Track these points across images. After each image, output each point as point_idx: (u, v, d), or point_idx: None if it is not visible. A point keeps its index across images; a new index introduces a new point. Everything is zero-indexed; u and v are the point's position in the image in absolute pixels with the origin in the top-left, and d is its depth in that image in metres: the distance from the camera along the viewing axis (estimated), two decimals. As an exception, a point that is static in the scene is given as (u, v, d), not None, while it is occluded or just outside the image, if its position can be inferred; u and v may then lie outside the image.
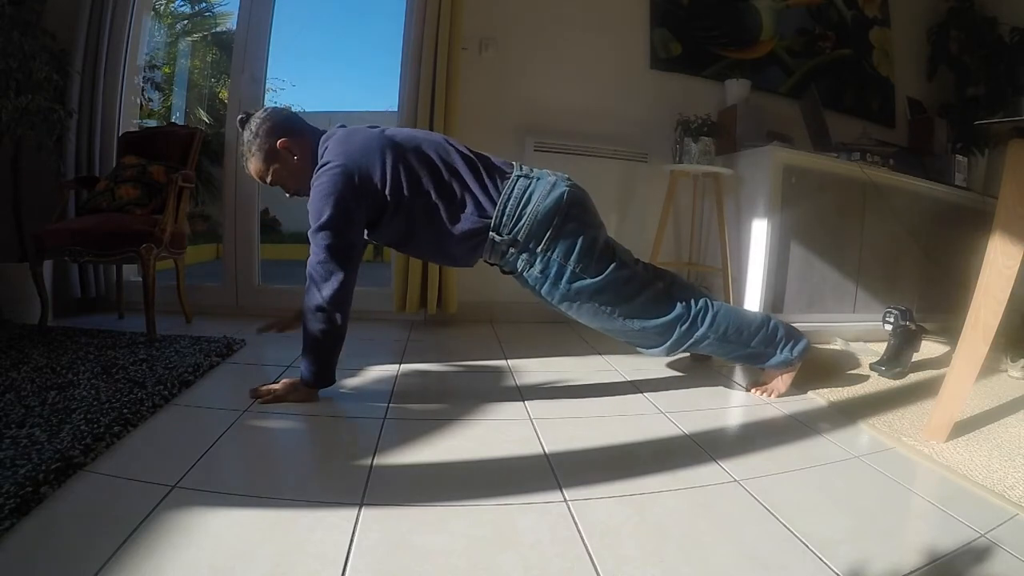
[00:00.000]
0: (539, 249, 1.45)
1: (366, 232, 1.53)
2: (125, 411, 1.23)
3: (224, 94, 6.49)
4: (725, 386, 1.79)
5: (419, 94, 2.41)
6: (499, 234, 1.45)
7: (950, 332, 2.14)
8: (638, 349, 1.65)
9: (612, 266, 1.49)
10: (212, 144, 4.52)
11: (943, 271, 2.73)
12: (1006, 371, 2.02)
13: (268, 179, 1.53)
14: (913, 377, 1.95)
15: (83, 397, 1.32)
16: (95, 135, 2.42)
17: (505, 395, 1.56)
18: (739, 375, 1.89)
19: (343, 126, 1.57)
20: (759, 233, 2.46)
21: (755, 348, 1.61)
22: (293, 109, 1.82)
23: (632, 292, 1.52)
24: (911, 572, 0.82)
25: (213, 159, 4.87)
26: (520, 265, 1.49)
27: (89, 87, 2.38)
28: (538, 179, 1.50)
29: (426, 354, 2.02)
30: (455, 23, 2.42)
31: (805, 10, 3.23)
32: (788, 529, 0.92)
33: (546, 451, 1.19)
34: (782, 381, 1.67)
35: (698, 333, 1.55)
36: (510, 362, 1.93)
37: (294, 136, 1.50)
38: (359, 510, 0.92)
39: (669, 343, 1.56)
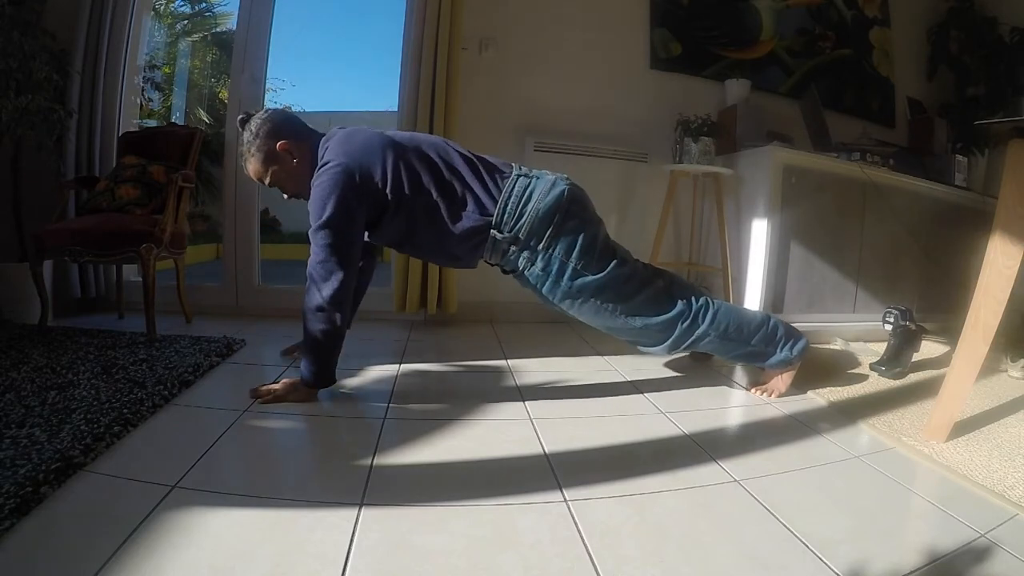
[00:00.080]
0: (540, 247, 1.46)
1: (367, 234, 1.53)
2: (125, 411, 1.23)
3: (224, 94, 6.50)
4: (725, 386, 1.79)
5: (419, 94, 2.41)
6: (500, 232, 1.45)
7: (950, 332, 2.14)
8: (639, 348, 1.65)
9: (613, 263, 1.50)
10: (212, 144, 4.52)
11: (943, 271, 2.73)
12: (1006, 371, 2.02)
13: (267, 180, 1.54)
14: (913, 377, 1.95)
15: (83, 397, 1.32)
16: (95, 135, 2.42)
17: (505, 395, 1.56)
18: (739, 375, 1.89)
19: (342, 128, 1.57)
20: (759, 233, 2.46)
21: (755, 347, 1.61)
22: (293, 109, 1.82)
23: (633, 289, 1.52)
24: (911, 572, 0.82)
25: (213, 159, 4.87)
26: (521, 263, 1.49)
27: (89, 87, 2.38)
28: (537, 178, 1.51)
29: (426, 354, 2.02)
30: (455, 23, 2.42)
31: (805, 10, 3.23)
32: (788, 529, 0.92)
33: (546, 451, 1.19)
34: (782, 381, 1.67)
35: (699, 330, 1.55)
36: (510, 362, 1.93)
37: (294, 138, 1.51)
38: (359, 510, 0.92)
39: (670, 341, 1.56)
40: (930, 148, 3.15)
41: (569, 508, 0.96)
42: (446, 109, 2.43)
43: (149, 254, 1.99)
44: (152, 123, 5.45)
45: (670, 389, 1.70)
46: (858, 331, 2.55)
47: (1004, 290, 1.23)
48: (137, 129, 2.66)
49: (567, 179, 1.54)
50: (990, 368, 2.00)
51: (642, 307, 1.53)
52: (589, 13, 2.81)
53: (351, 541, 0.83)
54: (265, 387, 1.44)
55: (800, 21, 3.22)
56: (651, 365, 1.96)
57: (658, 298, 1.56)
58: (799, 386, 1.71)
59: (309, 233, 1.41)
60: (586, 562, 0.81)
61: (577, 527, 0.90)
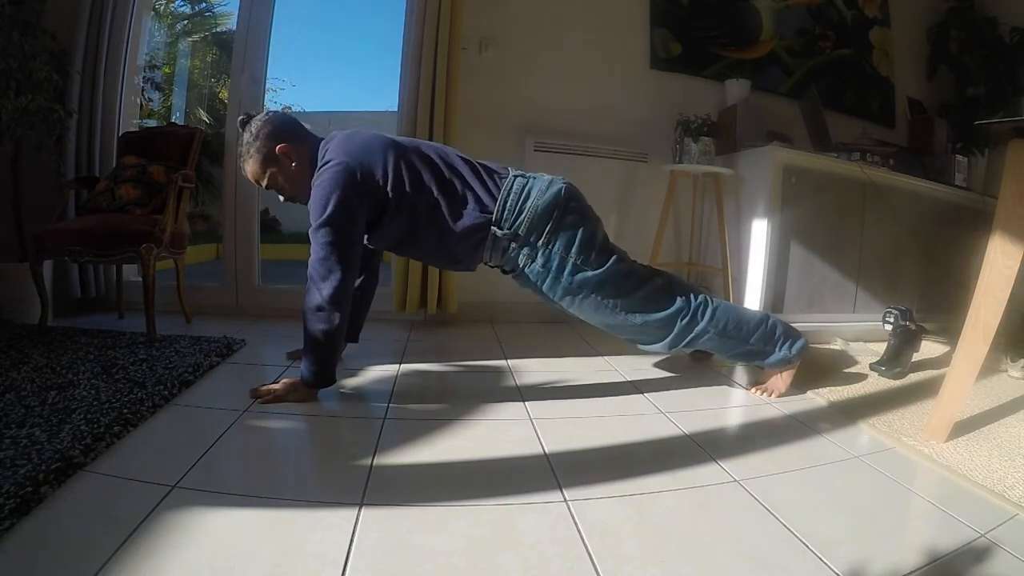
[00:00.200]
0: (540, 243, 1.48)
1: (367, 237, 1.53)
2: (125, 411, 1.23)
3: (224, 94, 6.50)
4: (725, 386, 1.79)
5: (419, 94, 2.41)
6: (500, 228, 1.47)
7: (950, 332, 2.14)
8: (640, 347, 1.65)
9: (613, 259, 1.52)
10: (212, 144, 4.52)
11: (943, 271, 2.73)
12: (1006, 371, 2.02)
13: (264, 182, 1.54)
14: (913, 377, 1.95)
15: (83, 397, 1.32)
16: (95, 135, 2.42)
17: (505, 395, 1.56)
18: (739, 375, 1.89)
19: (342, 130, 1.58)
20: (759, 233, 2.46)
21: (754, 345, 1.62)
22: (293, 109, 1.82)
23: (633, 286, 1.54)
24: (911, 572, 0.82)
25: (213, 159, 4.87)
26: (522, 260, 1.50)
27: (89, 87, 2.38)
28: (534, 178, 1.54)
29: (426, 354, 2.02)
30: (455, 23, 2.42)
31: (805, 10, 3.23)
32: (788, 529, 0.92)
33: (546, 451, 1.19)
34: (782, 380, 1.67)
35: (698, 328, 1.56)
36: (510, 362, 1.93)
37: (293, 142, 1.51)
38: (359, 510, 0.92)
39: (670, 338, 1.57)
40: (930, 148, 3.15)
41: (569, 508, 0.96)
42: (446, 109, 2.43)
43: (149, 254, 1.99)
44: (152, 123, 5.45)
45: (670, 389, 1.70)
46: (858, 331, 2.55)
47: (1004, 290, 1.23)
48: (137, 129, 2.66)
49: (563, 179, 1.57)
50: (990, 368, 2.00)
51: (642, 303, 1.54)
52: (589, 13, 2.81)
53: (351, 541, 0.83)
54: (265, 387, 1.44)
55: (800, 21, 3.22)
56: (651, 365, 1.96)
57: (657, 295, 1.57)
58: (799, 386, 1.71)
59: (309, 232, 1.41)
60: (586, 562, 0.81)
61: (577, 527, 0.90)
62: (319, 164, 1.46)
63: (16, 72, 2.05)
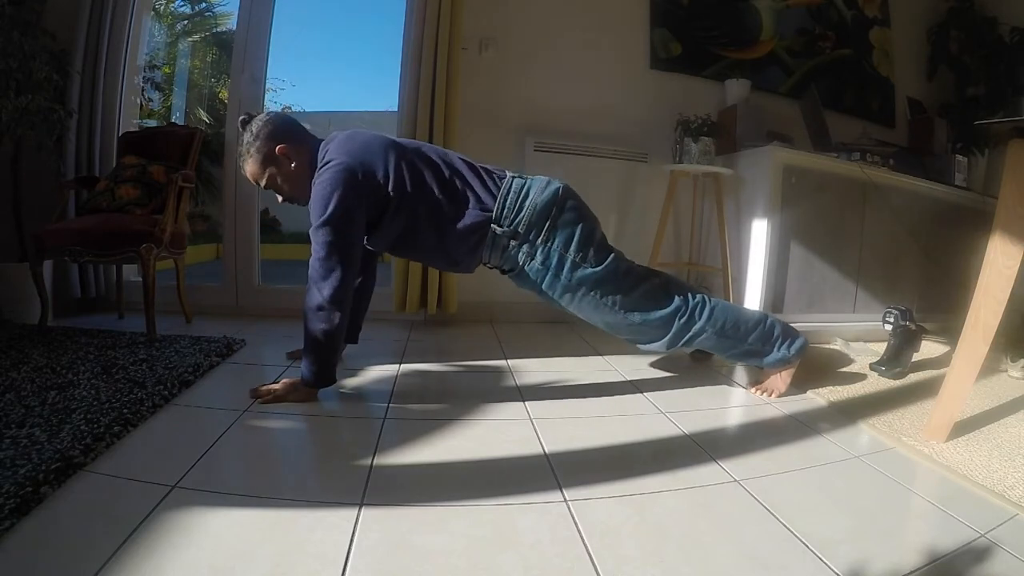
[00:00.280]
0: (539, 240, 1.49)
1: (366, 238, 1.54)
2: (125, 411, 1.23)
3: (224, 94, 6.50)
4: (725, 386, 1.79)
5: (419, 94, 2.41)
6: (500, 226, 1.48)
7: (950, 332, 2.14)
8: (639, 346, 1.66)
9: (611, 257, 1.54)
10: (212, 144, 4.52)
11: (943, 271, 2.73)
12: (1006, 371, 2.02)
13: (263, 182, 1.54)
14: (913, 377, 1.95)
15: (83, 397, 1.32)
16: (95, 135, 2.42)
17: (505, 395, 1.56)
18: (739, 375, 1.89)
19: (342, 131, 1.59)
20: (759, 233, 2.46)
21: (752, 345, 1.62)
22: (293, 109, 1.83)
23: (631, 284, 1.55)
24: (911, 572, 0.82)
25: (213, 159, 4.87)
26: (521, 258, 1.51)
27: (89, 87, 2.38)
28: (532, 178, 1.56)
29: (426, 354, 2.02)
30: (455, 23, 2.42)
31: (805, 10, 3.23)
32: (788, 529, 0.92)
33: (546, 451, 1.19)
34: (781, 380, 1.67)
35: (696, 327, 1.57)
36: (510, 362, 1.93)
37: (293, 143, 1.51)
38: (359, 510, 0.92)
39: (668, 337, 1.58)
40: (930, 148, 3.15)
41: (569, 508, 0.96)
42: (446, 109, 2.43)
43: (149, 254, 1.99)
44: (152, 123, 5.45)
45: (670, 389, 1.70)
46: (858, 331, 2.55)
47: (1004, 290, 1.23)
48: (137, 129, 2.66)
49: (561, 180, 1.59)
50: (990, 368, 2.00)
51: (640, 302, 1.55)
52: (589, 13, 2.81)
53: (351, 541, 0.83)
54: (265, 387, 1.44)
55: (800, 21, 3.22)
56: (651, 365, 1.96)
57: (655, 294, 1.58)
58: (799, 386, 1.71)
59: (310, 232, 1.41)
60: (586, 562, 0.81)
61: (577, 527, 0.90)
62: (319, 165, 1.46)
63: (16, 72, 2.05)
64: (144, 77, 4.37)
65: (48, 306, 2.07)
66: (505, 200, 1.49)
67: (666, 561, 0.82)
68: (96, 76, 2.39)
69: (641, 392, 1.65)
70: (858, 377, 1.91)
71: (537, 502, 0.98)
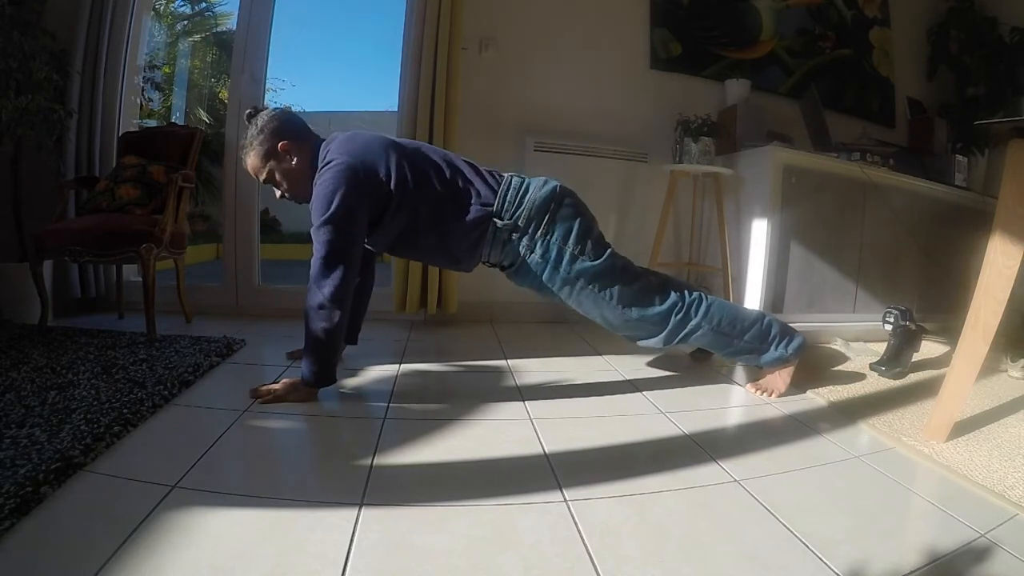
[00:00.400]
0: (539, 233, 1.52)
1: (367, 238, 1.55)
2: (125, 411, 1.23)
3: (224, 94, 6.50)
4: (725, 386, 1.79)
5: (419, 94, 2.41)
6: (501, 219, 1.51)
7: (950, 332, 2.14)
8: (637, 343, 1.66)
9: (609, 252, 1.57)
10: (212, 144, 4.52)
11: (943, 271, 2.73)
12: (1006, 371, 2.02)
13: (262, 176, 1.56)
14: (913, 377, 1.95)
15: (83, 397, 1.32)
16: (95, 135, 2.42)
17: (505, 395, 1.56)
18: (739, 375, 1.89)
19: (342, 132, 1.60)
20: (759, 233, 2.46)
21: (749, 343, 1.63)
22: (294, 109, 1.83)
23: (629, 279, 1.58)
24: (911, 572, 0.82)
25: (213, 159, 4.87)
26: (522, 250, 1.54)
27: (89, 87, 2.38)
28: (530, 178, 1.60)
29: (426, 354, 2.02)
30: (455, 23, 2.42)
31: (805, 10, 3.23)
32: (788, 529, 0.92)
33: (546, 451, 1.19)
34: (781, 380, 1.67)
35: (692, 323, 1.59)
36: (510, 362, 1.93)
37: (296, 140, 1.53)
38: (359, 510, 0.92)
39: (665, 333, 1.59)
40: (930, 148, 3.15)
41: (569, 508, 0.96)
42: (446, 109, 2.43)
43: (149, 254, 1.99)
44: (152, 123, 5.46)
45: (670, 389, 1.70)
46: (858, 331, 2.55)
47: (1004, 290, 1.23)
48: (137, 129, 2.66)
49: (558, 180, 1.63)
50: (990, 368, 2.00)
51: (638, 297, 1.57)
52: (589, 13, 2.81)
53: (351, 541, 0.83)
54: (265, 387, 1.44)
55: (800, 21, 3.22)
56: (651, 365, 1.96)
57: (652, 289, 1.60)
58: (799, 386, 1.71)
59: (311, 231, 1.42)
60: (586, 562, 0.81)
61: (577, 527, 0.90)
62: (320, 164, 1.48)
63: (16, 72, 2.05)
64: (144, 77, 4.37)
65: (48, 306, 2.07)
66: (505, 195, 1.53)
67: (666, 561, 0.82)
68: (96, 76, 2.39)
69: (641, 392, 1.65)
70: (858, 377, 1.91)
71: (537, 502, 0.98)
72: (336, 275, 1.39)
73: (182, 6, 6.89)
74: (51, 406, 1.25)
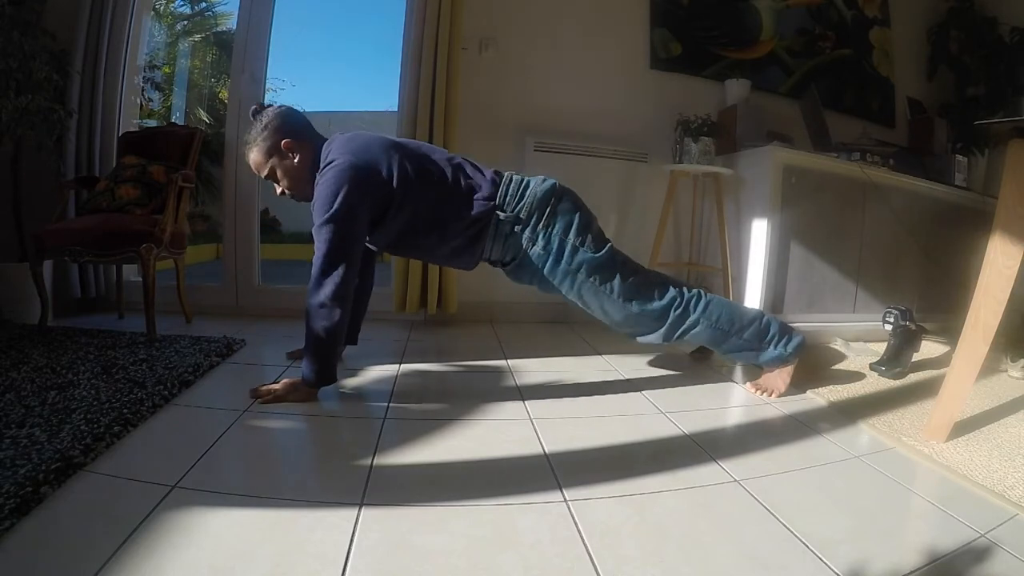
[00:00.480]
0: (540, 225, 1.55)
1: (369, 236, 1.56)
2: (125, 411, 1.23)
3: (224, 94, 6.50)
4: (725, 386, 1.79)
5: (419, 94, 2.41)
6: (503, 211, 1.54)
7: (950, 332, 2.14)
8: (637, 339, 1.67)
9: (609, 246, 1.60)
10: (212, 144, 4.52)
11: (943, 271, 2.73)
12: (1006, 371, 2.02)
13: (264, 172, 1.58)
14: (913, 377, 1.95)
15: (83, 397, 1.32)
16: (95, 135, 2.42)
17: (505, 395, 1.56)
18: (739, 375, 1.89)
19: (343, 133, 1.61)
20: (759, 233, 2.46)
21: (747, 341, 1.64)
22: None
23: (629, 272, 1.60)
24: (911, 572, 0.82)
25: (213, 159, 4.87)
26: (524, 242, 1.55)
27: (89, 87, 2.38)
28: (529, 176, 1.62)
29: (426, 354, 2.02)
30: (455, 23, 2.42)
31: (805, 10, 3.23)
32: (788, 529, 0.92)
33: (546, 451, 1.19)
34: (780, 379, 1.67)
35: (691, 318, 1.60)
36: (510, 362, 1.93)
37: (299, 138, 1.55)
38: (359, 510, 0.92)
39: (664, 328, 1.61)
40: (930, 148, 3.15)
41: (569, 508, 0.96)
42: (446, 109, 2.43)
43: (149, 254, 1.99)
44: (152, 123, 5.46)
45: (670, 389, 1.70)
46: (858, 331, 2.55)
47: (1004, 290, 1.23)
48: (137, 129, 2.66)
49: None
50: (990, 368, 2.00)
51: (638, 290, 1.59)
52: (589, 13, 2.81)
53: (351, 541, 0.83)
54: (265, 387, 1.45)
55: (800, 21, 3.22)
56: (651, 365, 1.96)
57: (652, 284, 1.62)
58: (799, 386, 1.71)
59: (313, 230, 1.43)
60: (586, 562, 0.81)
61: (577, 527, 0.90)
62: (322, 164, 1.49)
63: (16, 72, 2.05)
64: (144, 77, 4.37)
65: (48, 306, 2.07)
66: (507, 190, 1.56)
67: (666, 561, 0.82)
68: (96, 76, 2.39)
69: (641, 392, 1.65)
70: (858, 377, 1.91)
71: (537, 502, 0.98)
72: (337, 273, 1.39)
73: (182, 6, 6.90)
74: (51, 406, 1.25)
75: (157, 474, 0.99)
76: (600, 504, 0.98)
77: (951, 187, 2.93)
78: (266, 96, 2.74)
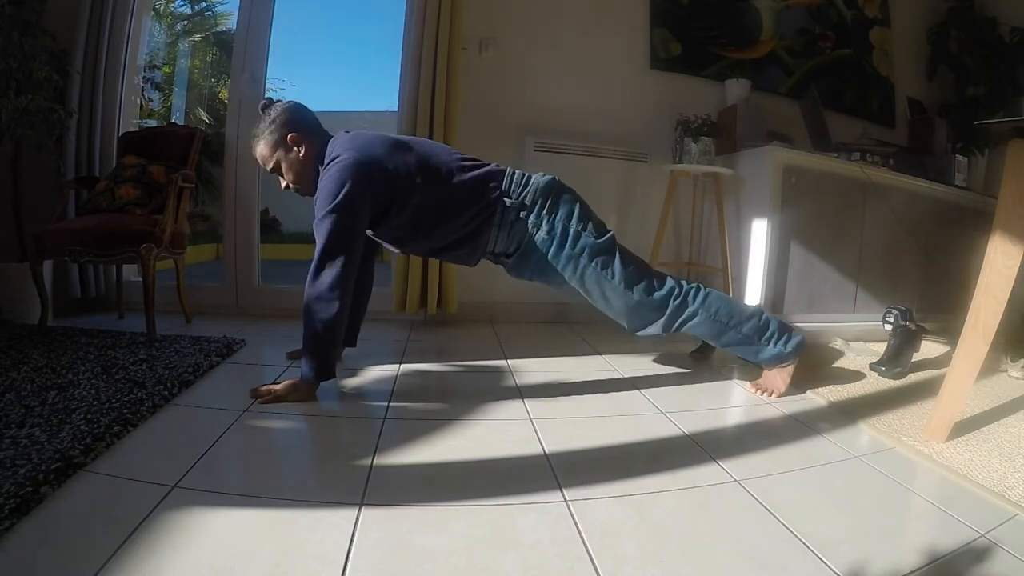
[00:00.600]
0: (544, 211, 1.58)
1: (371, 231, 1.58)
2: (125, 411, 1.23)
3: (224, 94, 6.50)
4: (725, 386, 1.79)
5: (419, 94, 2.41)
6: (509, 197, 1.57)
7: (950, 332, 2.14)
8: (636, 334, 1.67)
9: (610, 233, 1.63)
10: (212, 144, 4.52)
11: (943, 271, 2.73)
12: (1006, 371, 2.02)
13: (269, 165, 1.60)
14: (913, 377, 1.95)
15: (83, 397, 1.32)
16: (95, 135, 2.42)
17: (505, 395, 1.56)
18: (739, 375, 1.89)
19: (346, 131, 1.63)
20: (759, 233, 2.46)
21: (748, 334, 1.64)
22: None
23: (629, 259, 1.63)
24: (911, 572, 0.82)
25: (213, 159, 4.87)
26: (529, 227, 1.58)
27: (89, 87, 2.38)
28: (530, 172, 1.65)
29: (426, 354, 2.02)
30: (455, 23, 2.42)
31: (805, 10, 3.23)
32: (788, 529, 0.92)
33: (546, 451, 1.19)
34: (780, 379, 1.67)
35: (690, 308, 1.62)
36: (510, 362, 1.93)
37: (305, 133, 1.57)
38: (359, 510, 0.92)
39: (663, 319, 1.62)
40: (930, 148, 3.15)
41: (569, 508, 0.96)
42: (446, 109, 2.43)
43: (149, 254, 1.99)
44: (152, 123, 5.45)
45: (670, 389, 1.70)
46: (858, 331, 2.55)
47: (1004, 290, 1.23)
48: (137, 129, 2.66)
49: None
50: (990, 368, 2.00)
51: (639, 278, 1.61)
52: (589, 13, 2.81)
53: (351, 541, 0.83)
54: (265, 387, 1.45)
55: (800, 21, 3.22)
56: (651, 364, 1.96)
57: (651, 273, 1.65)
58: (799, 386, 1.71)
59: (314, 224, 1.44)
60: (586, 562, 0.81)
61: (577, 527, 0.90)
62: (327, 160, 1.50)
63: (16, 72, 2.05)
64: (144, 77, 4.36)
65: (48, 306, 2.07)
66: (512, 177, 1.60)
67: (666, 561, 0.82)
68: (96, 76, 2.39)
69: (641, 392, 1.65)
70: (858, 377, 1.91)
71: (537, 502, 0.98)
72: (336, 265, 1.40)
73: (182, 6, 6.90)
74: (51, 406, 1.25)
75: (157, 474, 0.99)
76: (600, 504, 0.98)
77: (951, 187, 2.93)
78: (266, 96, 2.73)
